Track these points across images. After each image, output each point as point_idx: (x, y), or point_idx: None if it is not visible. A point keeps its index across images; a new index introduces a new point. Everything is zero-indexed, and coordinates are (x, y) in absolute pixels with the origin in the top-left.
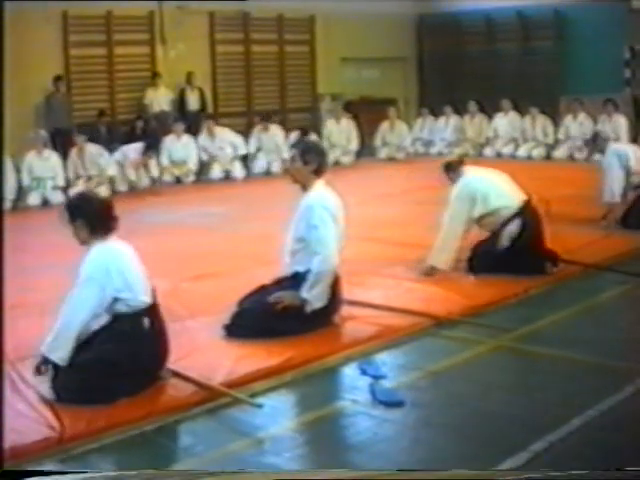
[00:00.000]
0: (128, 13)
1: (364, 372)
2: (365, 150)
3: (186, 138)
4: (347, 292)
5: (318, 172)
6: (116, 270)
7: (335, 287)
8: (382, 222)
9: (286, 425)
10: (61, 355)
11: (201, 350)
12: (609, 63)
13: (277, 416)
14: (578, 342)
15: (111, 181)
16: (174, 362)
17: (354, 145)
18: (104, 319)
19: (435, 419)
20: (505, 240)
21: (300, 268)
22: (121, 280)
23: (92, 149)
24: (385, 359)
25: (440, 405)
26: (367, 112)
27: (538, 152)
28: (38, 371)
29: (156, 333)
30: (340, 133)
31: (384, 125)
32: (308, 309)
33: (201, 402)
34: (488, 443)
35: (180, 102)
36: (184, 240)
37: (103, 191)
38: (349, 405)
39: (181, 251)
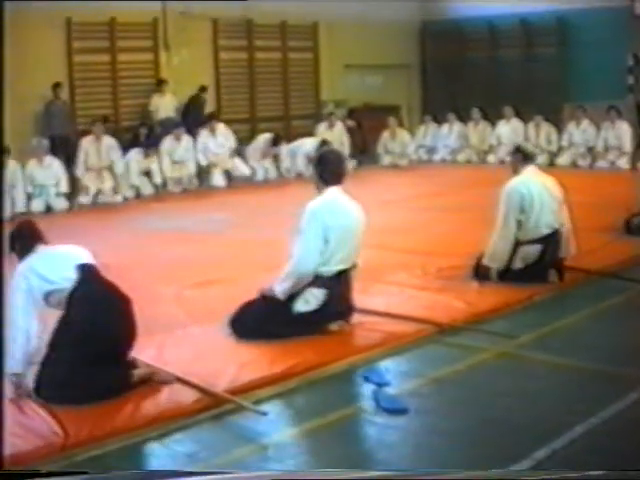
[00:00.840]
0: (132, 20)
1: (367, 379)
2: (368, 157)
3: (186, 140)
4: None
5: (326, 180)
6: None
7: (335, 296)
8: (385, 229)
9: (290, 432)
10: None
11: (205, 357)
12: (612, 70)
13: (281, 423)
14: (582, 349)
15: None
16: (178, 368)
17: (346, 151)
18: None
19: (438, 426)
20: (519, 262)
21: None
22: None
23: (108, 140)
24: (389, 366)
25: (443, 412)
26: (370, 119)
27: (541, 159)
28: None
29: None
30: (332, 138)
31: (385, 134)
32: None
33: (205, 409)
34: (491, 450)
35: (186, 109)
36: (188, 247)
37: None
38: (353, 412)
39: (185, 258)
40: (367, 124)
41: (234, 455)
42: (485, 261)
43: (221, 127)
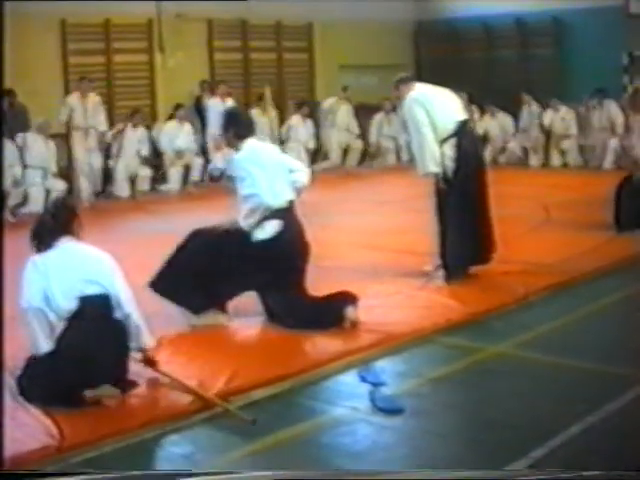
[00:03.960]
0: (127, 21)
1: (364, 379)
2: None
3: (188, 126)
4: None
5: (241, 136)
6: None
7: (288, 225)
8: (382, 230)
9: (286, 432)
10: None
11: (200, 357)
12: (608, 69)
13: (277, 423)
14: (578, 348)
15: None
16: (173, 369)
17: (311, 145)
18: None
19: (435, 426)
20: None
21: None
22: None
23: (96, 99)
24: (385, 366)
25: (440, 412)
26: (365, 119)
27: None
28: None
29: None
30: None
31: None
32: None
33: (201, 410)
34: (488, 450)
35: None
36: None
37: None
38: (349, 412)
39: None
40: (362, 124)
41: (230, 456)
42: (422, 172)
43: None
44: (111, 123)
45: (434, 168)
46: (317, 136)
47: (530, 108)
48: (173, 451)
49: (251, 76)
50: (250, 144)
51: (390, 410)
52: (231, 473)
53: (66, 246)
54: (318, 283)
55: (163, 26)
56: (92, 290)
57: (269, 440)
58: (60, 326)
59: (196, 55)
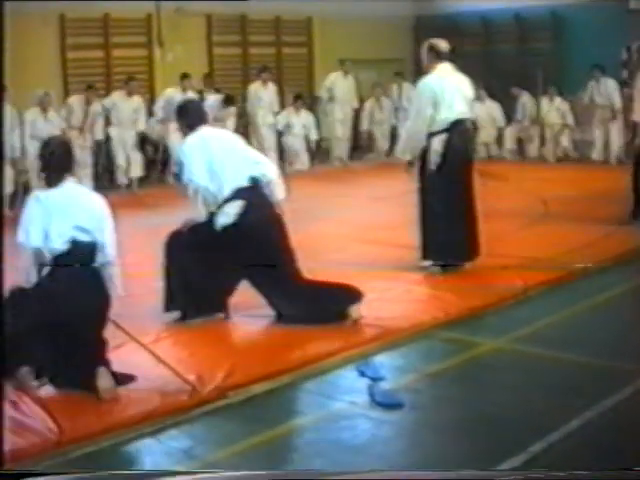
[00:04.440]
0: (125, 16)
1: (362, 374)
2: (360, 152)
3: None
4: None
5: (192, 125)
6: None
7: (251, 203)
8: (378, 224)
9: (285, 427)
10: None
11: (199, 351)
12: (607, 64)
13: (276, 418)
14: (578, 343)
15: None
16: (172, 364)
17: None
18: None
19: (433, 421)
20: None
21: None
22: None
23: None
24: (383, 361)
25: (438, 407)
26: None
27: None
28: None
29: None
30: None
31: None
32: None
33: (200, 404)
34: (487, 444)
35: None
36: None
37: None
38: (347, 407)
39: None
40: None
41: (229, 450)
42: (398, 154)
43: None
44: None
45: (406, 155)
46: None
47: (522, 99)
48: (172, 445)
49: (250, 71)
50: (199, 132)
51: (389, 404)
52: (231, 472)
53: (69, 187)
54: (315, 277)
55: (162, 21)
56: (82, 237)
57: (268, 435)
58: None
59: (195, 49)
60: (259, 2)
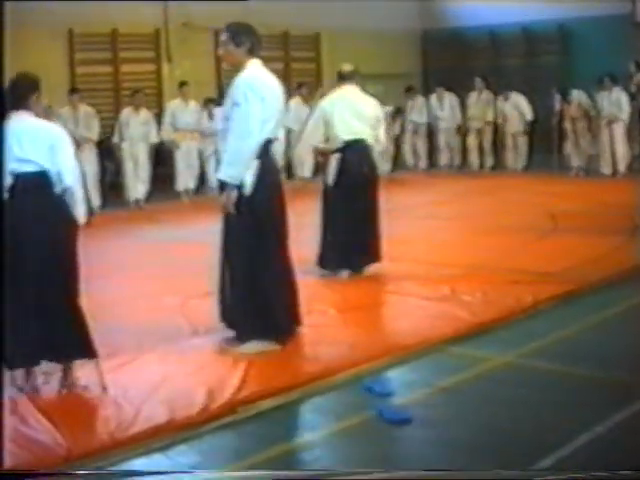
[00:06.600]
0: (134, 31)
1: (370, 390)
2: None
3: (194, 104)
4: None
5: (252, 52)
6: None
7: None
8: (389, 239)
9: (293, 443)
10: None
11: (207, 368)
12: (616, 77)
13: (284, 434)
14: (587, 358)
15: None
16: (181, 379)
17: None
18: None
19: (443, 436)
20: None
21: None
22: None
23: (87, 109)
24: (393, 376)
25: (448, 422)
26: None
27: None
28: None
29: None
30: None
31: None
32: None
33: (210, 420)
34: (496, 459)
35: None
36: (193, 257)
37: None
38: (356, 423)
39: (190, 268)
40: None
41: (236, 467)
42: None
43: None
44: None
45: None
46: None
47: None
48: (181, 461)
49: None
50: None
51: (398, 420)
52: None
53: (15, 120)
54: (324, 289)
55: (170, 35)
56: (26, 168)
57: (276, 451)
58: None
59: (203, 64)
60: (267, 17)
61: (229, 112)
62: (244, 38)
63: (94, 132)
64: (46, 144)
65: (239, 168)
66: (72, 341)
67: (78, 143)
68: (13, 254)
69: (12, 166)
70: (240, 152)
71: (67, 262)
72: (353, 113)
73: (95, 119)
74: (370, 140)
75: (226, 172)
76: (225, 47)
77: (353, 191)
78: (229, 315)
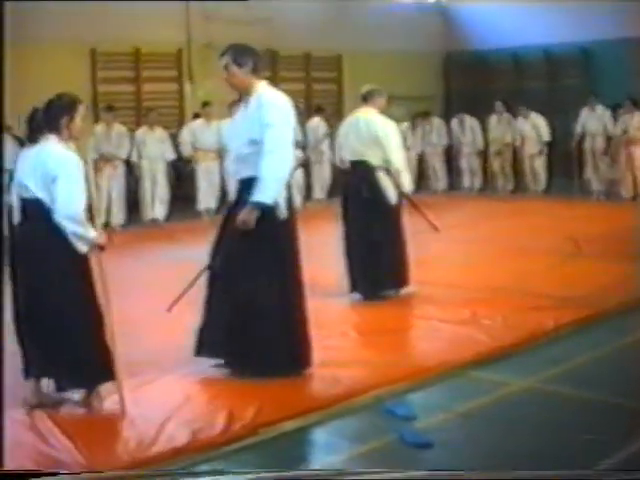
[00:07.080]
0: (156, 50)
1: (392, 412)
2: None
3: (216, 124)
4: None
5: (255, 72)
6: None
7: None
8: (411, 261)
9: (314, 466)
10: None
11: (222, 393)
12: (637, 101)
13: (305, 457)
14: (608, 383)
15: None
16: (201, 401)
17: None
18: None
19: (463, 460)
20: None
21: (254, 173)
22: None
23: (121, 128)
24: (413, 399)
25: (468, 446)
26: None
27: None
28: None
29: None
30: None
31: None
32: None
33: (230, 441)
34: None
35: None
36: None
37: None
38: (377, 446)
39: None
40: None
41: None
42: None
43: None
44: None
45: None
46: None
47: None
48: None
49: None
50: None
51: (418, 444)
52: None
53: (41, 145)
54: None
55: (192, 55)
56: (27, 194)
57: (296, 475)
58: None
59: (225, 85)
60: (289, 39)
61: (257, 135)
62: (246, 59)
63: (124, 151)
64: (43, 173)
65: (279, 190)
66: (95, 369)
67: (107, 159)
68: (23, 281)
69: (17, 190)
70: (281, 174)
71: (73, 291)
72: (356, 134)
73: (127, 138)
74: (375, 162)
75: (269, 194)
76: (228, 69)
77: (357, 213)
78: (226, 347)
